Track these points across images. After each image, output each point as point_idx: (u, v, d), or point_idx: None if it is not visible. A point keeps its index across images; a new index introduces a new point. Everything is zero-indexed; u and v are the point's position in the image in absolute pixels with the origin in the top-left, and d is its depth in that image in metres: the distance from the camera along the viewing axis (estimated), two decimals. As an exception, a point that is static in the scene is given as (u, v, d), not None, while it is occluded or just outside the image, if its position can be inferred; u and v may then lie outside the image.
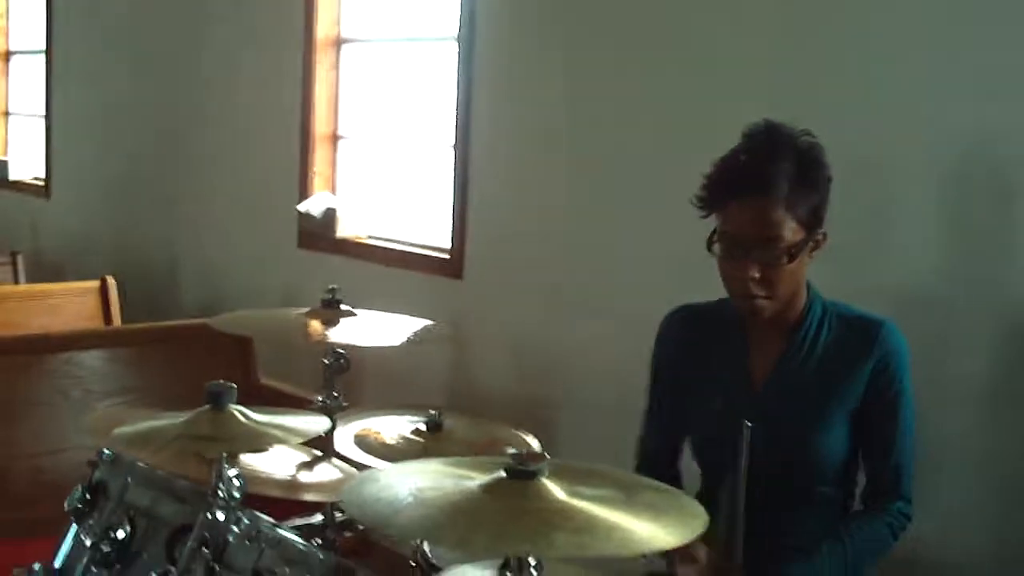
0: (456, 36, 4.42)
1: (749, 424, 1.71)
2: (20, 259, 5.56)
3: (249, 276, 5.49)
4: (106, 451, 2.05)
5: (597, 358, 3.91)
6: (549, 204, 4.13)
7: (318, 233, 5.07)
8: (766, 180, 2.40)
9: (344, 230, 5.03)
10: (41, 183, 7.49)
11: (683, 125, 3.64)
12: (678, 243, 2.68)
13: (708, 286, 2.60)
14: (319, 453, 2.70)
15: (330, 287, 2.91)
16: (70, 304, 4.78)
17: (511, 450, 1.60)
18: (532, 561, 1.57)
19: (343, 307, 2.90)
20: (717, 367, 2.64)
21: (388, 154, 5.02)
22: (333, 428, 2.66)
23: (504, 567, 1.59)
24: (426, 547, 2.30)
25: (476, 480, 1.58)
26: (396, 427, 2.89)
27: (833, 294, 2.62)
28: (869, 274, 3.13)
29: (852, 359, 2.53)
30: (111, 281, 4.79)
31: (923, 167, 3.14)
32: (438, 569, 2.14)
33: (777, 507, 2.40)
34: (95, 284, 4.81)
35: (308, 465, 2.62)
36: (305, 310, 3.00)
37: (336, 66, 5.15)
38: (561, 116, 4.09)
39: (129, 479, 1.97)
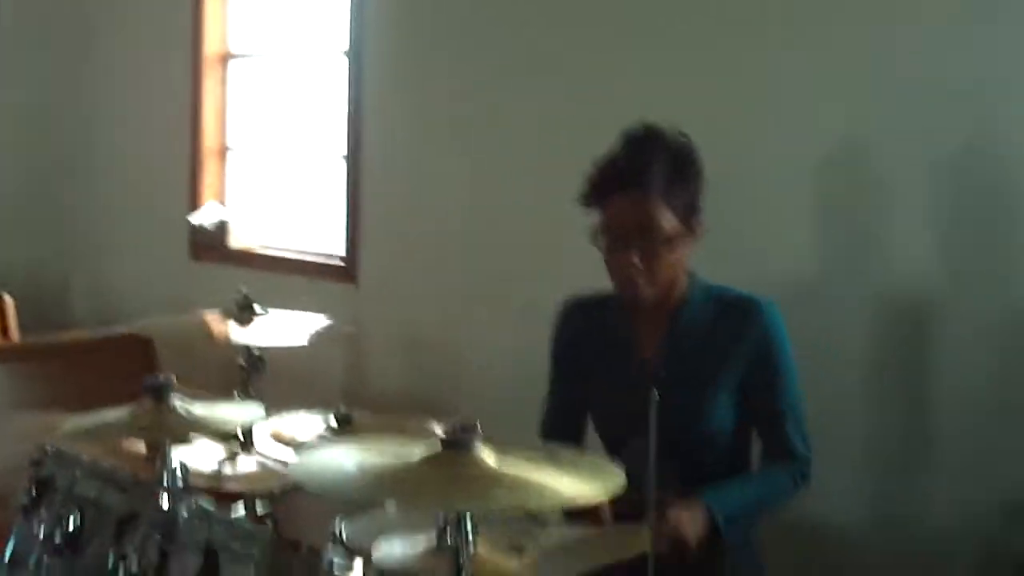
0: (346, 51, 4.55)
1: (657, 392, 1.89)
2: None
3: (142, 288, 5.53)
4: (50, 448, 2.17)
5: (492, 354, 4.06)
6: (442, 207, 4.28)
7: (210, 244, 5.16)
8: (643, 176, 2.60)
9: (236, 240, 5.13)
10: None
11: (569, 124, 3.81)
12: (569, 237, 2.84)
13: (600, 277, 2.78)
14: (238, 449, 2.84)
15: (241, 289, 3.03)
16: (-36, 322, 4.79)
17: (443, 423, 1.77)
18: (469, 523, 1.73)
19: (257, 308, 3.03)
20: (608, 352, 2.81)
21: (279, 165, 5.13)
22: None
23: (444, 529, 1.76)
24: (343, 530, 2.42)
25: (415, 452, 1.74)
26: (305, 424, 3.03)
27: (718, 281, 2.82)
28: (752, 263, 3.30)
29: (733, 338, 2.70)
30: (7, 298, 4.81)
31: (801, 160, 3.34)
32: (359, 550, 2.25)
33: (669, 485, 2.58)
34: (-10, 302, 4.82)
35: (230, 459, 2.75)
36: (216, 312, 3.12)
37: (224, 80, 5.25)
38: (451, 122, 4.24)
39: (78, 472, 2.09)
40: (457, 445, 1.73)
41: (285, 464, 2.76)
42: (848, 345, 3.27)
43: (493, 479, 1.68)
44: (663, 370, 2.71)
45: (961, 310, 3.09)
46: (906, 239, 3.18)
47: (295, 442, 2.87)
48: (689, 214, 2.66)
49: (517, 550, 2.11)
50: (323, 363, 4.49)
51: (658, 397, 1.87)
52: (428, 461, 1.72)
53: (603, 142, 2.70)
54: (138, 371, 4.01)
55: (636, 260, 2.61)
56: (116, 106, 5.74)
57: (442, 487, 1.67)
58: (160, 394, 2.06)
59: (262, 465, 2.78)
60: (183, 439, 2.09)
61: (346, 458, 1.78)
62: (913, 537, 3.17)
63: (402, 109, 4.43)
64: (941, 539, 3.11)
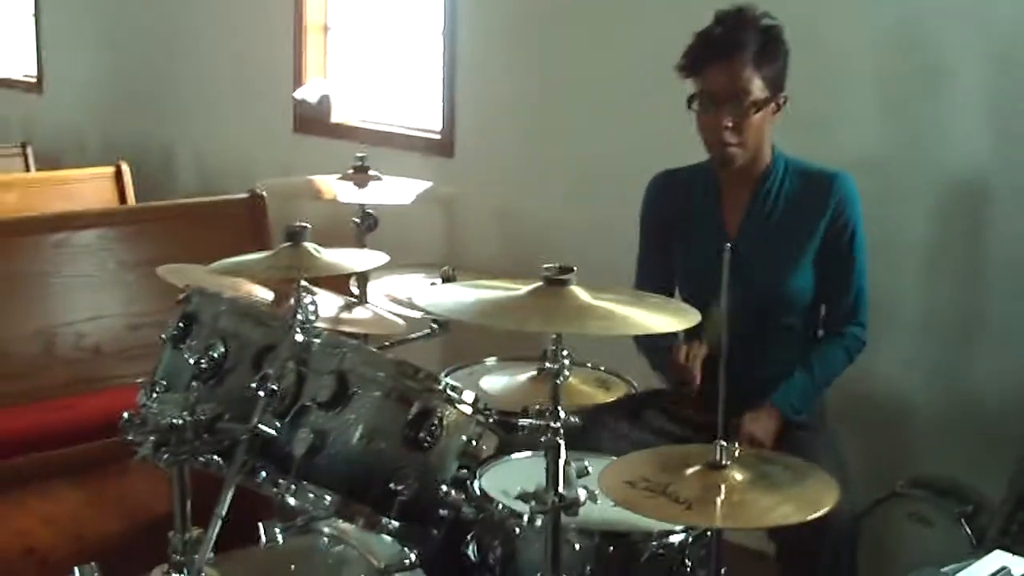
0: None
1: (729, 247, 2.13)
2: (30, 149, 5.84)
3: (245, 160, 5.77)
4: (194, 287, 2.46)
5: (582, 224, 4.27)
6: (537, 84, 4.46)
7: (314, 118, 5.42)
8: (736, 44, 2.85)
9: (338, 115, 5.38)
10: (33, 79, 7.69)
11: (673, 7, 3.91)
12: (662, 111, 3.05)
13: (686, 153, 3.01)
14: (354, 299, 3.13)
15: (358, 155, 3.29)
16: (85, 189, 5.07)
17: (545, 265, 2.04)
18: (565, 351, 2.01)
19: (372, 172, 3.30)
20: (695, 220, 3.06)
21: (378, 43, 5.35)
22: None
23: (543, 359, 2.04)
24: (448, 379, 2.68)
25: (521, 289, 2.02)
26: (413, 282, 3.31)
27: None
28: (822, 140, 3.47)
29: (812, 207, 2.95)
30: (124, 166, 5.10)
31: (862, 46, 3.52)
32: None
33: (752, 341, 2.80)
34: (110, 170, 5.10)
35: (347, 307, 3.04)
36: (334, 176, 3.40)
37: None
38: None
39: (222, 307, 2.37)
40: (557, 282, 2.01)
41: (396, 316, 3.05)
42: (907, 221, 3.44)
43: (587, 310, 1.96)
44: (747, 238, 2.94)
45: (1014, 189, 3.24)
46: (962, 120, 3.33)
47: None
48: (776, 85, 2.89)
49: (604, 387, 2.39)
50: (424, 228, 4.75)
51: (730, 254, 2.11)
52: (533, 294, 2.00)
53: (693, 21, 2.92)
54: (251, 230, 4.34)
55: (728, 121, 2.85)
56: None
57: (544, 314, 1.95)
58: (297, 239, 2.34)
59: (375, 314, 3.06)
60: (320, 276, 2.35)
61: (463, 293, 2.07)
62: (966, 405, 3.37)
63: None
64: (991, 408, 3.30)
